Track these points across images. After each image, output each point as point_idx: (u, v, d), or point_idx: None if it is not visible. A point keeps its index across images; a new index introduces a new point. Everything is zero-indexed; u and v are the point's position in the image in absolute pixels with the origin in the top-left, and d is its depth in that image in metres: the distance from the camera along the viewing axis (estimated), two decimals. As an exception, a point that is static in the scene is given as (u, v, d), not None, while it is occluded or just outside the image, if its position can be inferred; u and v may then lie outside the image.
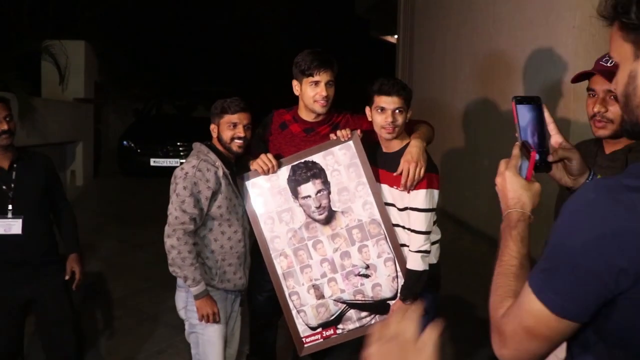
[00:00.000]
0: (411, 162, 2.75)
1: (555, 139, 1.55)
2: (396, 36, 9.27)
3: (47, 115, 7.92)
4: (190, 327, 2.99)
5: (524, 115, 1.51)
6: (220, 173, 2.89)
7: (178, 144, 10.40)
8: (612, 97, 2.06)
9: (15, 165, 3.20)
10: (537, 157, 1.45)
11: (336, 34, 19.11)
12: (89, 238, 7.04)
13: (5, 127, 3.09)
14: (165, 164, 10.14)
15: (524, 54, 5.20)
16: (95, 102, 10.55)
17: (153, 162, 10.39)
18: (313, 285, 3.02)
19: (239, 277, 3.05)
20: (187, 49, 16.95)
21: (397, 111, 2.79)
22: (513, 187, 1.41)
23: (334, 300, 3.01)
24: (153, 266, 5.62)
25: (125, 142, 10.72)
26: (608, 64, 2.06)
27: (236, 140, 2.96)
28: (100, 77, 10.97)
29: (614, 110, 2.05)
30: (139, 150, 10.60)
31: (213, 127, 3.04)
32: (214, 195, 2.89)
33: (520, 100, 1.52)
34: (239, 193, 3.04)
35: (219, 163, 2.91)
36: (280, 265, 3.04)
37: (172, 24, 16.39)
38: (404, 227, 2.92)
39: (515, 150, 1.46)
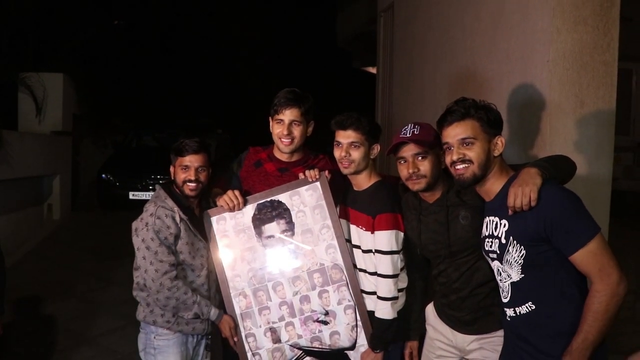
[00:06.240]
0: None
1: None
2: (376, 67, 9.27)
3: (23, 148, 7.80)
4: None
5: None
6: (178, 219, 2.79)
7: (158, 176, 10.17)
8: (419, 158, 2.52)
9: None
10: None
11: (319, 64, 19.25)
12: (64, 274, 6.92)
13: None
14: (144, 197, 9.91)
15: (500, 87, 5.17)
16: (73, 134, 10.43)
17: (132, 195, 10.21)
18: (270, 328, 2.91)
19: (199, 321, 2.94)
20: (168, 80, 16.90)
21: (352, 145, 2.71)
22: None
23: (291, 345, 2.91)
24: (129, 303, 5.45)
25: (103, 175, 10.56)
26: (407, 135, 2.53)
27: (188, 184, 2.86)
28: (79, 109, 10.85)
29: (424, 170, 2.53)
30: (117, 184, 10.44)
31: (172, 169, 2.95)
32: (175, 240, 2.80)
33: None
34: (200, 236, 2.93)
35: (176, 209, 2.81)
36: (239, 305, 2.94)
37: (154, 55, 16.39)
38: (366, 271, 2.80)
39: None
